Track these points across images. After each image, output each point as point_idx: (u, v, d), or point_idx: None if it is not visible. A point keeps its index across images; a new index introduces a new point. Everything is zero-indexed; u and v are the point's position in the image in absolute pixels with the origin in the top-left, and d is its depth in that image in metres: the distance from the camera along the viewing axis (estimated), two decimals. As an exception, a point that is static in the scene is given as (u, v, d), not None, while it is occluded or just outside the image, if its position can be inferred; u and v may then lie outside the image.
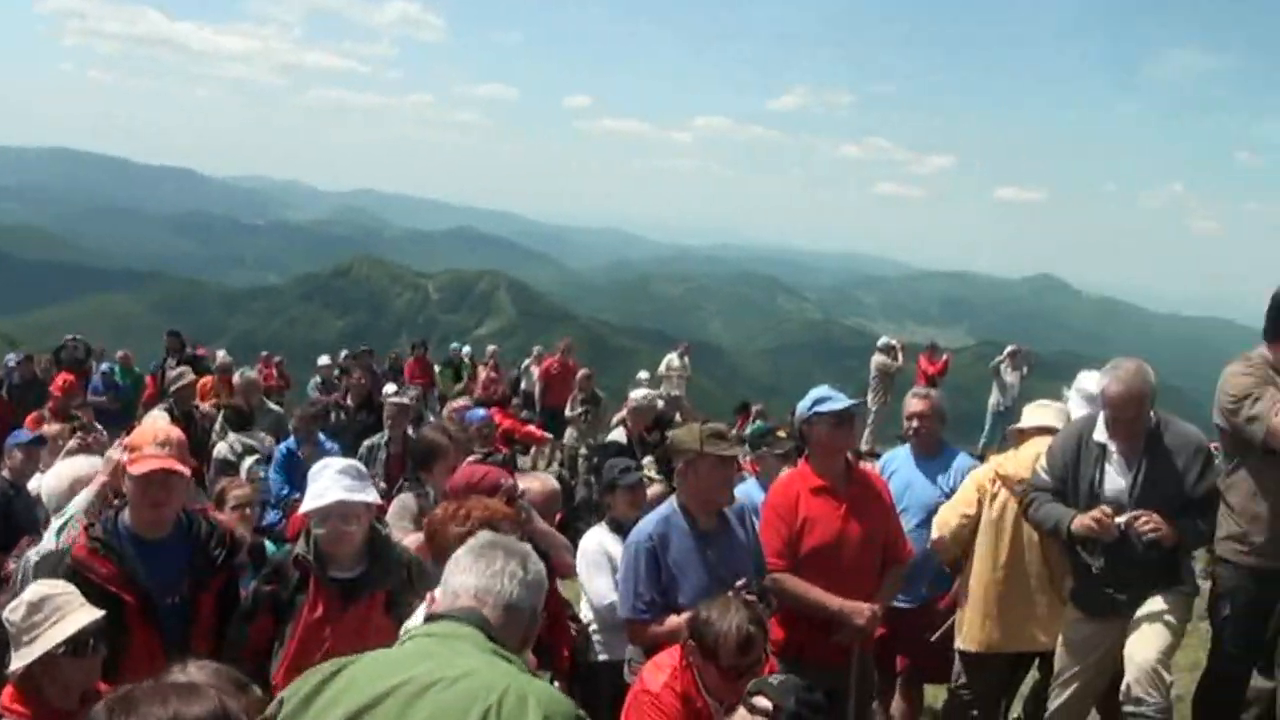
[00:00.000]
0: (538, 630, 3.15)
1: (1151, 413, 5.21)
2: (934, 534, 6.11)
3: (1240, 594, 5.15)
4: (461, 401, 13.30)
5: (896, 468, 6.87)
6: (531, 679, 2.72)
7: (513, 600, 2.94)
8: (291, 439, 9.88)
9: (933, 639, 6.26)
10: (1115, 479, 5.23)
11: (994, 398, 19.61)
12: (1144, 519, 4.97)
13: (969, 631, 5.94)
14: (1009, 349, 20.10)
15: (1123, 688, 5.08)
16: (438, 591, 3.07)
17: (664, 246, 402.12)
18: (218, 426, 10.94)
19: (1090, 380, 5.84)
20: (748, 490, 6.77)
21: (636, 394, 12.27)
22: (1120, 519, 5.01)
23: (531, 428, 15.50)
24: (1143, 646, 5.07)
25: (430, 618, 2.96)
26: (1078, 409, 6.02)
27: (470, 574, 2.97)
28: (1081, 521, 5.12)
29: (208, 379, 14.73)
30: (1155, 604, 5.19)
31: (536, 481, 6.22)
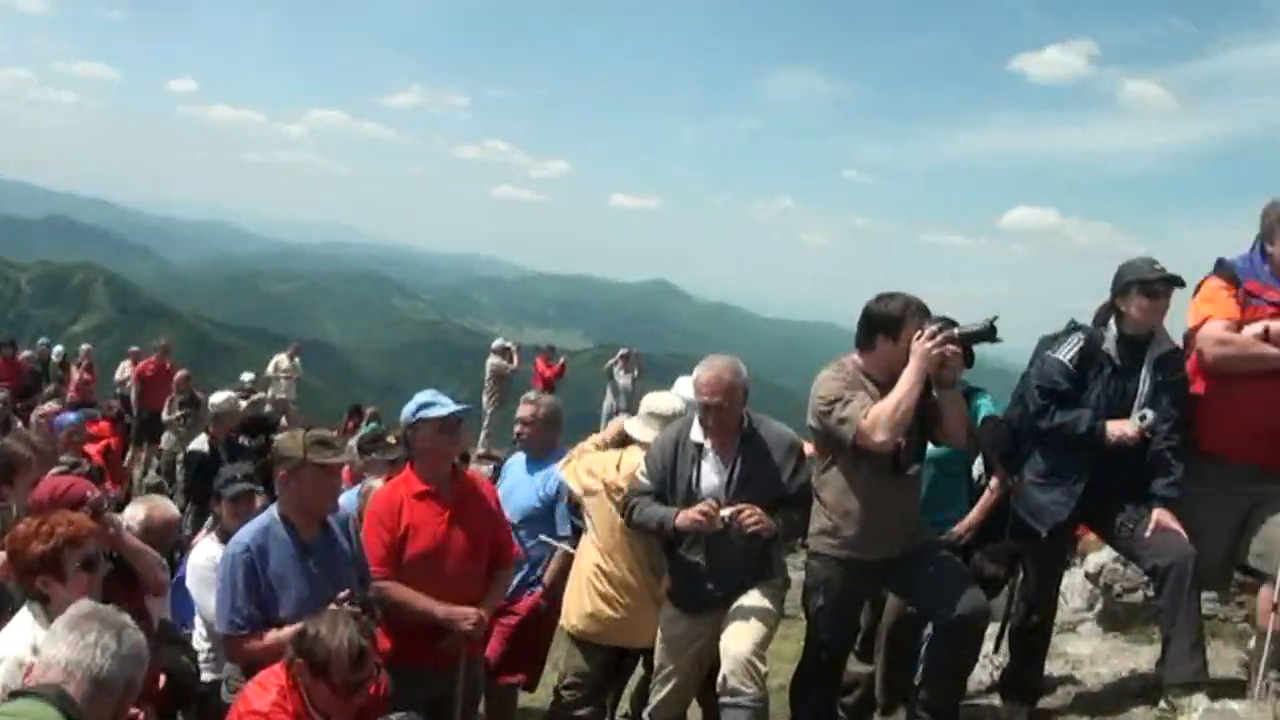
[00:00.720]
0: (132, 701, 3.02)
1: (745, 412, 5.39)
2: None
3: (833, 585, 5.35)
4: (51, 405, 12.46)
5: (510, 471, 7.02)
6: None
7: (102, 675, 2.88)
8: None
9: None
10: (711, 476, 5.36)
11: (608, 400, 19.96)
12: (746, 512, 5.09)
13: (571, 617, 6.00)
14: (621, 352, 20.47)
15: (719, 680, 5.20)
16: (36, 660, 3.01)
17: (274, 243, 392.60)
18: None
19: (687, 385, 5.99)
20: (350, 498, 6.61)
21: (217, 398, 11.79)
22: (725, 512, 5.12)
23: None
24: (737, 640, 5.21)
25: (14, 694, 2.88)
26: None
27: (63, 645, 2.90)
28: (687, 515, 5.19)
29: None
30: (749, 598, 5.35)
31: (157, 509, 5.87)
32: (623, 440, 6.11)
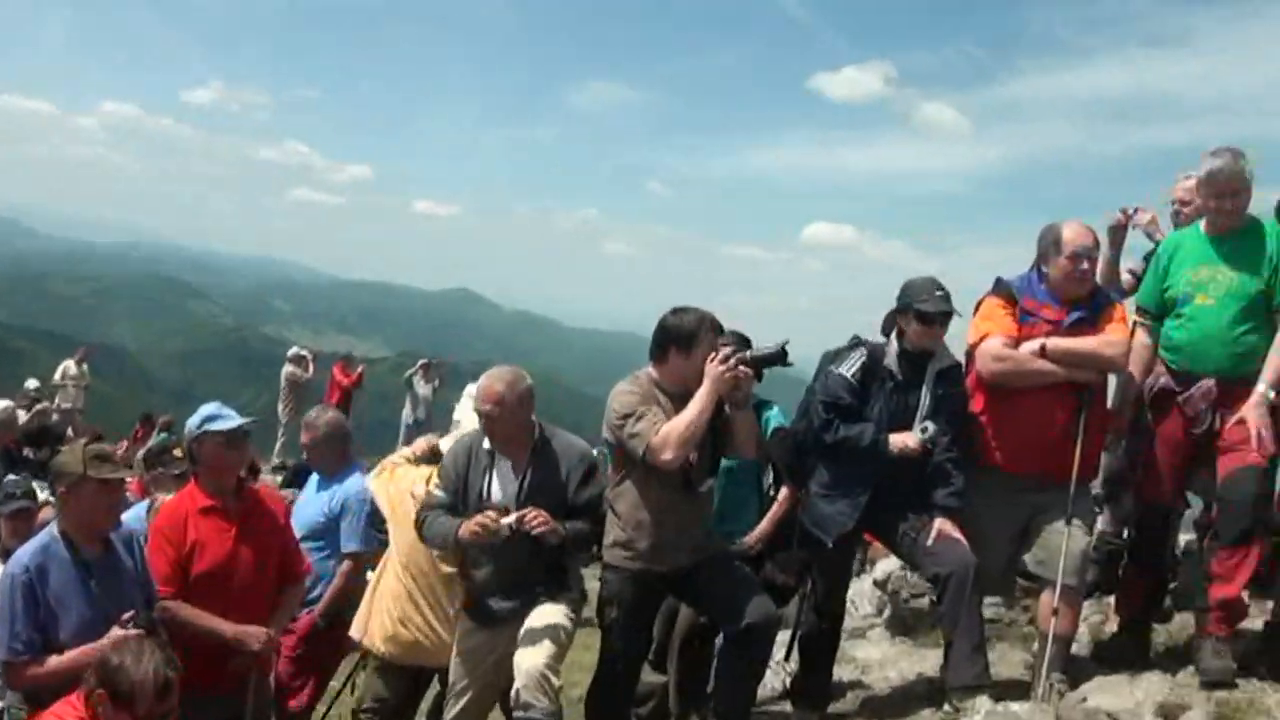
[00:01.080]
0: None
1: (537, 423, 5.46)
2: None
3: (626, 596, 5.39)
4: None
5: (307, 485, 6.97)
6: None
7: None
8: None
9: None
10: (503, 486, 5.39)
11: (406, 410, 19.82)
12: (531, 514, 5.10)
13: (374, 639, 5.96)
14: (421, 362, 20.41)
15: (513, 694, 5.19)
16: None
17: (64, 241, 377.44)
18: None
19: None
20: (139, 514, 6.44)
21: None
22: (508, 519, 5.12)
23: None
24: (529, 654, 5.20)
25: None
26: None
27: None
28: (468, 527, 5.20)
29: None
30: (542, 610, 5.35)
31: None
32: (434, 456, 6.09)
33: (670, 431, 5.07)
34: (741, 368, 5.09)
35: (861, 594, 8.38)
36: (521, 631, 5.32)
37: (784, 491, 6.13)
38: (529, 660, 5.18)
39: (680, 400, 5.20)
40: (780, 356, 5.24)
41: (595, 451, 5.71)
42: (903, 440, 5.52)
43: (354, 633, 6.13)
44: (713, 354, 5.13)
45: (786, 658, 6.48)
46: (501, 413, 5.29)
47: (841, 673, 6.73)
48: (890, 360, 5.65)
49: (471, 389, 5.93)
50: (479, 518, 5.16)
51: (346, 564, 6.50)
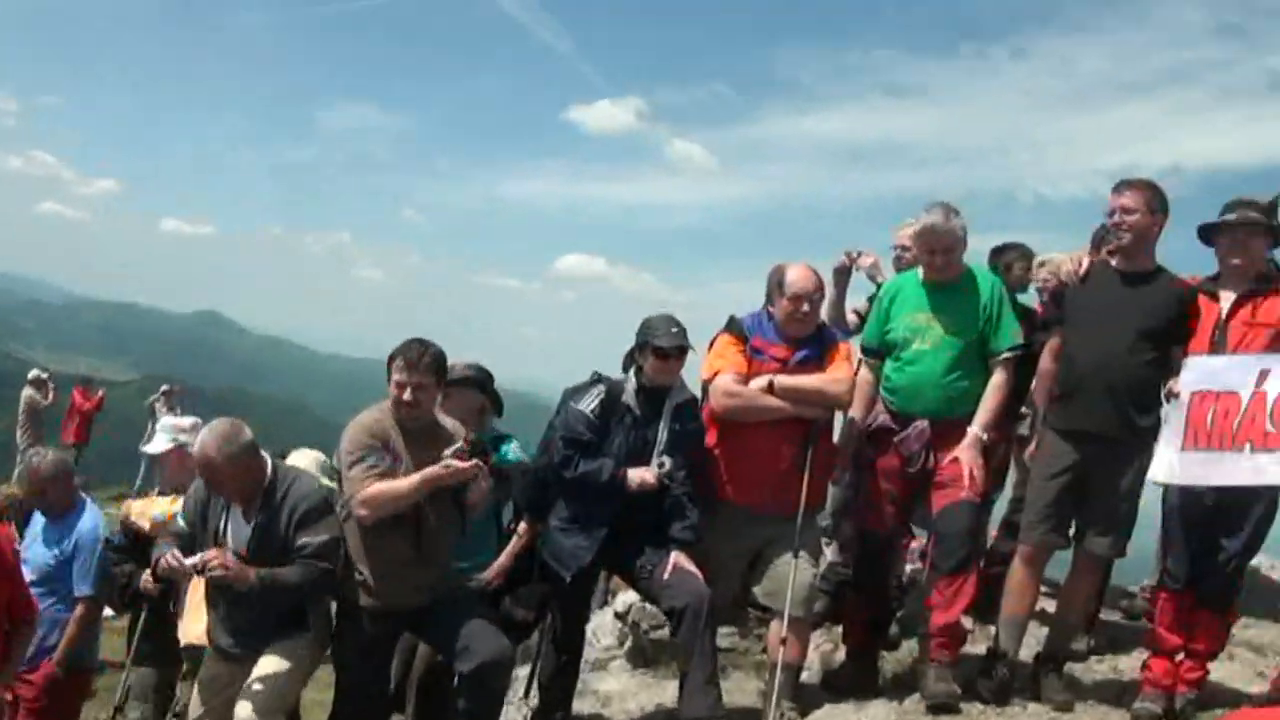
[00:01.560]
0: None
1: (274, 467, 5.41)
2: None
3: (362, 634, 5.40)
4: None
5: (31, 526, 6.77)
6: None
7: None
8: None
9: None
10: (236, 530, 5.33)
11: (147, 438, 19.21)
12: (211, 557, 5.06)
13: (207, 633, 5.74)
14: (164, 388, 19.90)
15: None
16: None
17: None
18: None
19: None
20: None
21: None
22: (191, 560, 5.07)
23: None
24: (244, 705, 5.14)
25: None
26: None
27: None
28: (160, 563, 5.18)
29: None
30: (268, 658, 5.29)
31: None
32: None
33: (376, 495, 5.15)
34: (478, 468, 5.22)
35: (603, 626, 8.43)
36: (250, 675, 5.24)
37: (523, 526, 6.15)
38: (242, 712, 5.14)
39: (414, 436, 5.28)
40: (506, 479, 5.73)
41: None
42: (640, 475, 5.61)
43: (181, 637, 6.01)
44: (453, 448, 5.20)
45: (525, 694, 6.48)
46: (208, 475, 5.27)
47: (582, 706, 6.74)
48: (629, 396, 5.75)
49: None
50: (167, 557, 5.11)
51: (80, 608, 6.29)
